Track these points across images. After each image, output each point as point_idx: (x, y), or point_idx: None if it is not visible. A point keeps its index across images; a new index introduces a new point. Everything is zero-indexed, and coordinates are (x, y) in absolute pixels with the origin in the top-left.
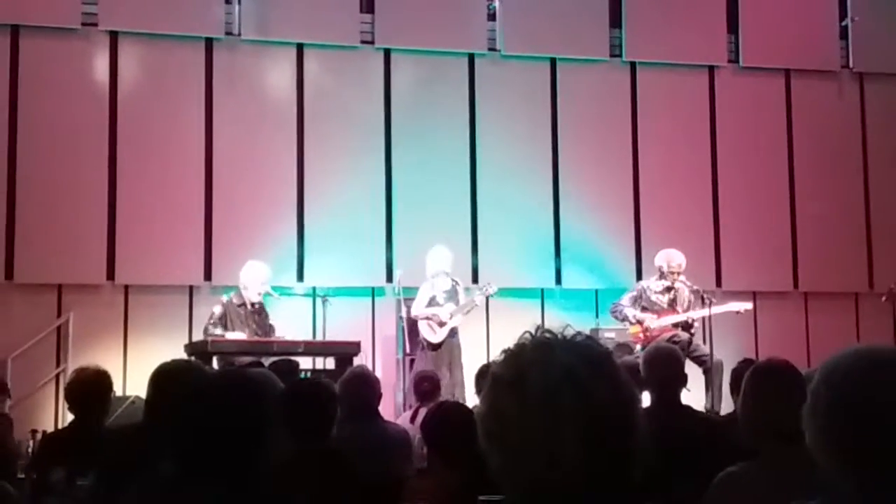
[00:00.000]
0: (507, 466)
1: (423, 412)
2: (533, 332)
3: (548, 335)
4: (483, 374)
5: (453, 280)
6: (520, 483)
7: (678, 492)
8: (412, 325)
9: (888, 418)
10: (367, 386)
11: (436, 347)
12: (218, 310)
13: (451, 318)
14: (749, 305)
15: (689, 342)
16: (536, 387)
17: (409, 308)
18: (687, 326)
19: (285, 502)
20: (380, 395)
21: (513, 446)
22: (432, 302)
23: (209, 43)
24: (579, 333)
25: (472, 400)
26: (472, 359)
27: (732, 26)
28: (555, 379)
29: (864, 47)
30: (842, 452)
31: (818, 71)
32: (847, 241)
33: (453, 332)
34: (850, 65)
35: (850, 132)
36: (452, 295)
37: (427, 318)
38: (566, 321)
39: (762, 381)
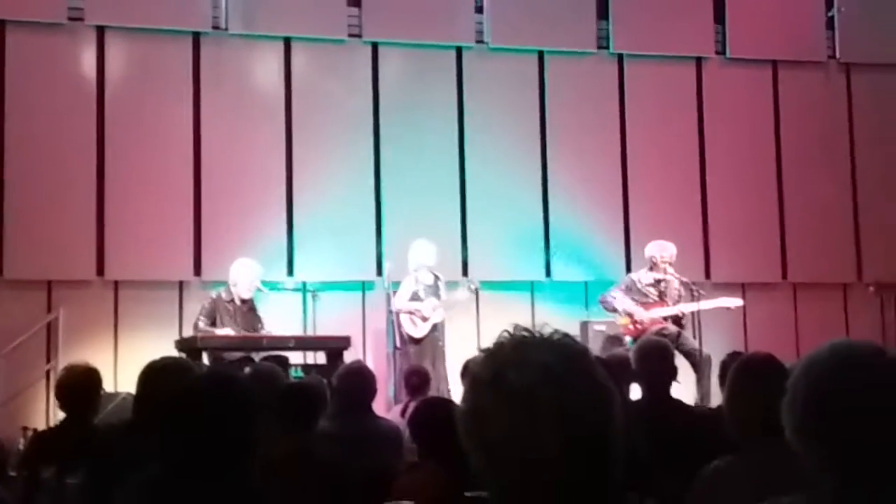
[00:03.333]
0: (487, 465)
1: (413, 406)
2: (511, 330)
3: (526, 334)
4: (466, 372)
5: (435, 274)
6: (501, 482)
7: (666, 485)
8: (399, 318)
9: (863, 413)
10: (362, 381)
11: (418, 342)
12: (207, 305)
13: (433, 312)
14: (740, 302)
15: (679, 335)
16: (513, 386)
17: None
18: (677, 319)
19: (269, 497)
20: (375, 391)
21: (492, 445)
22: (414, 296)
23: (196, 37)
24: (556, 332)
25: (458, 394)
26: (462, 352)
27: (719, 17)
28: (531, 378)
29: (850, 38)
30: (819, 446)
31: (805, 62)
32: (835, 231)
33: (436, 327)
34: (837, 55)
35: (837, 123)
36: (434, 289)
37: (410, 313)
38: (556, 314)
39: (745, 375)
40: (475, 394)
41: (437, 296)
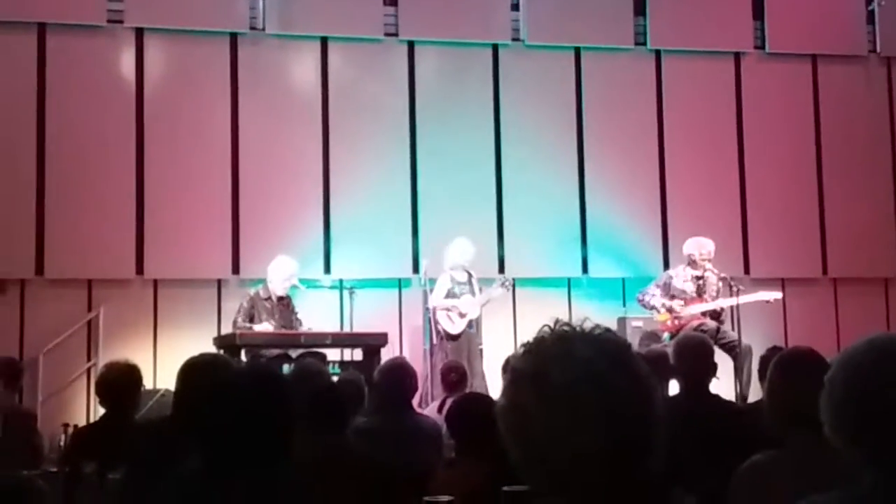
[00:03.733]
0: (528, 460)
1: (450, 402)
2: (552, 325)
3: (567, 329)
4: (507, 367)
5: (468, 272)
6: (542, 476)
7: (705, 480)
8: (436, 315)
9: None
10: (403, 377)
11: (455, 338)
12: (246, 303)
13: (470, 308)
14: (778, 295)
15: (718, 330)
16: (557, 381)
17: None
18: (715, 315)
19: (307, 494)
20: (416, 388)
21: (534, 440)
22: (450, 293)
23: (234, 38)
24: (598, 326)
25: (496, 390)
26: (499, 349)
27: (758, 12)
28: (575, 373)
29: (891, 32)
30: (857, 440)
31: (845, 56)
32: (876, 226)
33: (471, 324)
34: (878, 49)
35: (877, 117)
36: (469, 287)
37: (447, 309)
38: (593, 310)
39: (787, 369)
40: (517, 389)
41: (472, 293)
